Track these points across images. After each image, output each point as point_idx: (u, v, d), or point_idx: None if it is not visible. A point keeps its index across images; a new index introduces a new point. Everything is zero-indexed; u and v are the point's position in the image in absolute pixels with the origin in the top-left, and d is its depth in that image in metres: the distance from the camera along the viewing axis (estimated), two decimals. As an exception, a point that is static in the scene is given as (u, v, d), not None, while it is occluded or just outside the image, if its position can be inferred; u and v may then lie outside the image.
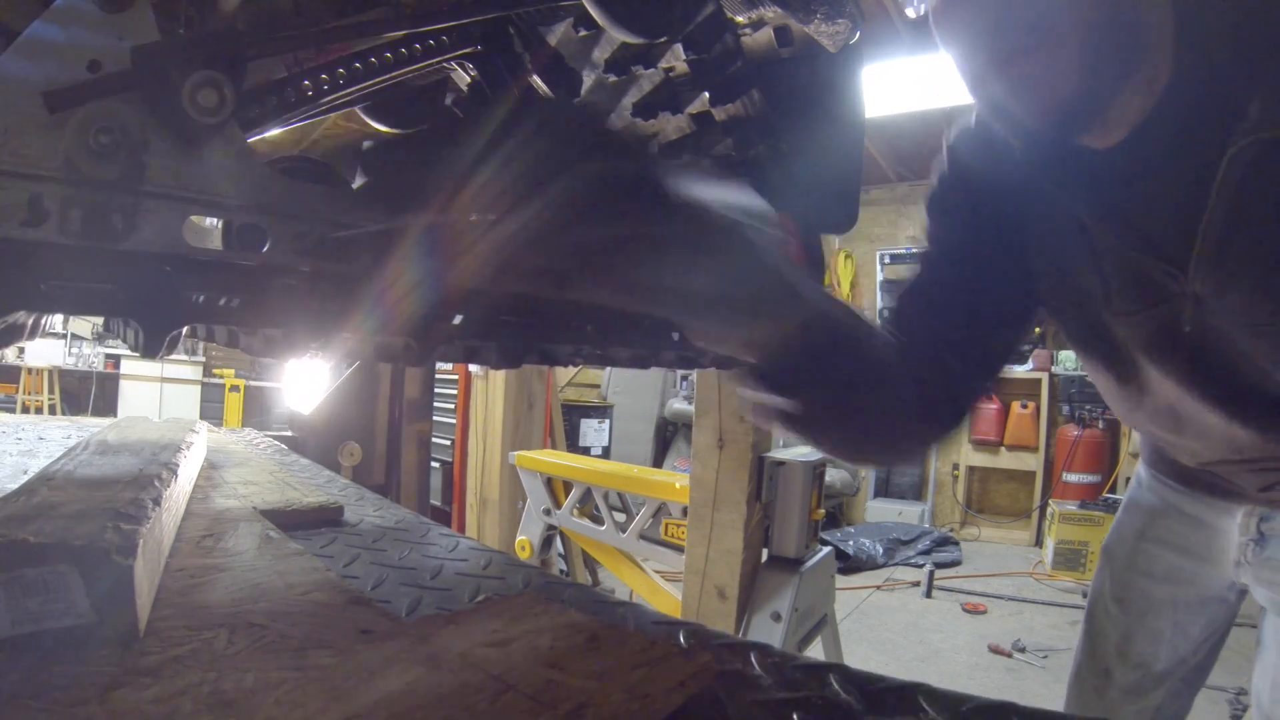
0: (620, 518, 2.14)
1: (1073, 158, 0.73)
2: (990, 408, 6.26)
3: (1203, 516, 0.99)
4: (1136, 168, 0.70)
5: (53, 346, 8.16)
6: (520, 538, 2.40)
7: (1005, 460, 6.23)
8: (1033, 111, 0.68)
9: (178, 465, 0.89)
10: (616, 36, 0.93)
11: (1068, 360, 6.11)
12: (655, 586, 2.15)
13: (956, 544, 5.55)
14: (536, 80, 0.96)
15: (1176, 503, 1.02)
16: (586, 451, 4.45)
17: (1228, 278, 0.68)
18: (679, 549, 1.81)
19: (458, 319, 0.70)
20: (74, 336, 8.39)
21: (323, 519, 1.02)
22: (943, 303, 0.85)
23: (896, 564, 5.02)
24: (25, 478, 0.95)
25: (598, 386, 6.00)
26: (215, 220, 0.59)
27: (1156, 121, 0.67)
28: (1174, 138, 0.66)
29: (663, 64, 1.09)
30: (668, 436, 6.53)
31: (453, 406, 3.63)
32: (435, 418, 2.23)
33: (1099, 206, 0.74)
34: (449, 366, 3.47)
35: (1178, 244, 0.70)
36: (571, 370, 5.03)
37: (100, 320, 5.78)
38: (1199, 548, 1.00)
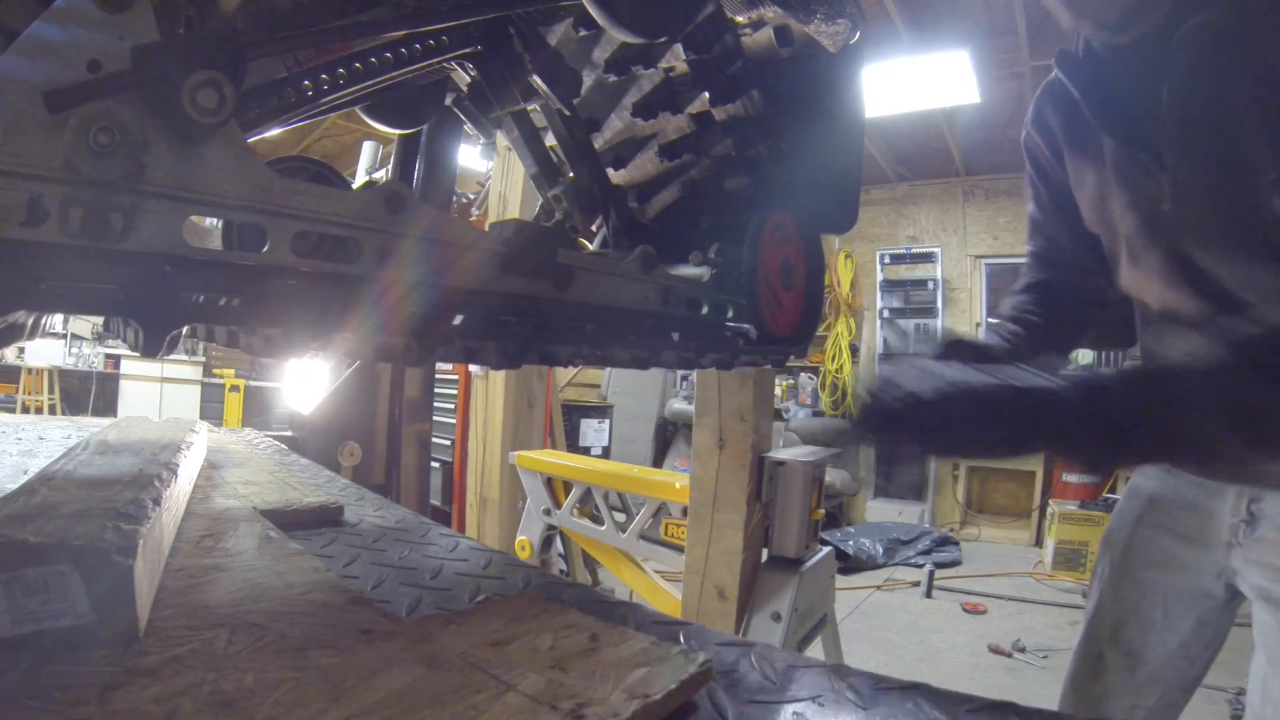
0: (620, 518, 2.14)
1: (1098, 65, 0.89)
2: (990, 408, 6.25)
3: (1197, 500, 1.02)
4: (1142, 60, 0.82)
5: (53, 346, 8.15)
6: (520, 538, 2.40)
7: (1005, 460, 6.22)
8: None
9: (178, 465, 0.89)
10: (616, 36, 0.93)
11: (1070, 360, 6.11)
12: (655, 586, 2.15)
13: (956, 544, 5.55)
14: (536, 80, 0.96)
15: (1174, 487, 1.06)
16: (586, 451, 4.45)
17: (1184, 152, 0.79)
18: (679, 549, 1.81)
19: (458, 319, 0.70)
20: (74, 336, 8.39)
21: (323, 519, 1.02)
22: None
23: (896, 564, 5.02)
24: (25, 478, 0.95)
25: (598, 386, 6.01)
26: (215, 220, 0.59)
27: (1166, 24, 0.78)
28: (1168, 34, 0.77)
29: (663, 64, 1.09)
30: (668, 436, 6.53)
31: (453, 406, 3.63)
32: (435, 418, 2.23)
33: (1107, 107, 0.88)
34: (449, 366, 3.47)
35: (1154, 128, 0.82)
36: (571, 370, 5.03)
37: (100, 320, 5.78)
38: (1193, 531, 1.03)
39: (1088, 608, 1.17)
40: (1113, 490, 5.44)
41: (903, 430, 0.79)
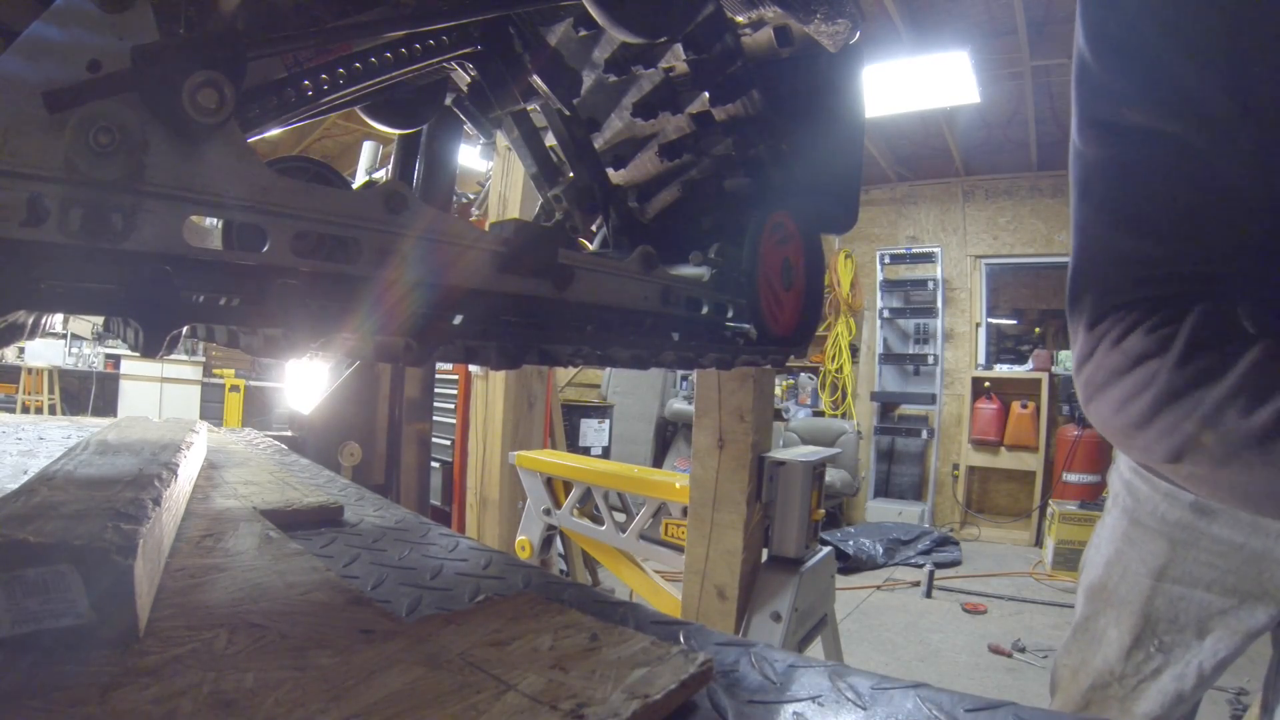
0: (620, 518, 2.14)
1: None
2: (990, 408, 6.27)
3: (1251, 543, 0.82)
4: None
5: (53, 346, 8.15)
6: (520, 538, 2.40)
7: (1005, 460, 6.23)
8: None
9: (178, 465, 0.89)
10: (616, 36, 0.93)
11: (1067, 360, 6.12)
12: (655, 586, 2.15)
13: (956, 544, 5.55)
14: (536, 80, 0.96)
15: (1209, 530, 0.85)
16: (586, 451, 4.45)
17: None
18: (679, 549, 1.81)
19: (458, 319, 0.70)
20: (74, 336, 8.39)
21: (323, 519, 1.02)
22: None
23: (896, 564, 5.02)
24: (25, 478, 0.95)
25: (598, 386, 6.01)
26: (215, 220, 0.59)
27: None
28: None
29: (663, 64, 1.09)
30: (668, 436, 6.54)
31: (453, 406, 3.63)
32: (435, 418, 2.23)
33: None
34: (449, 366, 3.48)
35: None
36: (571, 370, 5.03)
37: (100, 320, 5.79)
38: (1244, 581, 0.83)
39: (1077, 657, 0.97)
40: (1113, 490, 5.43)
41: None
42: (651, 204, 1.30)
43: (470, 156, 4.18)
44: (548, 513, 2.29)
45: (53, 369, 8.06)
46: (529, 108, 1.13)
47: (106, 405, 8.26)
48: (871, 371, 6.92)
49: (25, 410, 7.36)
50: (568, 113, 1.11)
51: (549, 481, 2.30)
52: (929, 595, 4.33)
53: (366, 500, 1.20)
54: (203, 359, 8.87)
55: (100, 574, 0.51)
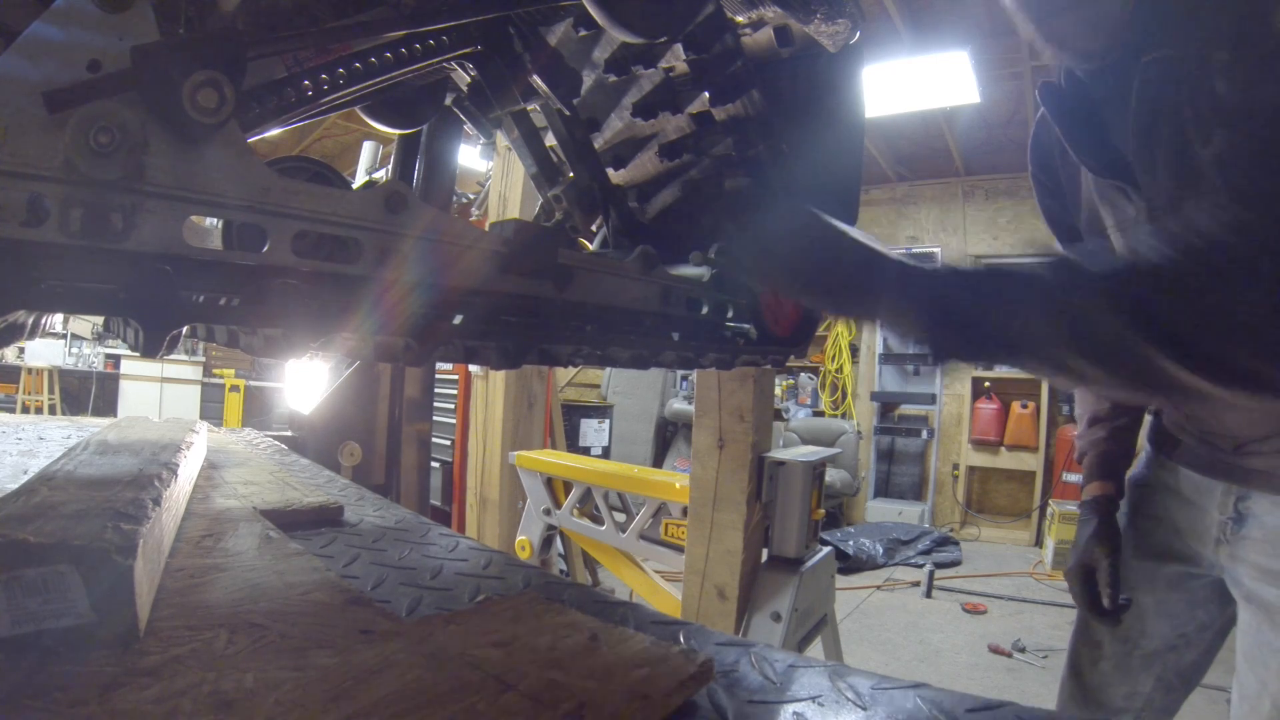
0: (620, 518, 2.14)
1: (1076, 93, 0.91)
2: (990, 408, 6.26)
3: (1189, 493, 1.05)
4: (1115, 86, 0.83)
5: (53, 346, 8.15)
6: (520, 538, 2.40)
7: (1005, 460, 6.23)
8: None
9: (178, 465, 0.89)
10: (616, 36, 0.93)
11: (1068, 360, 6.11)
12: (655, 586, 2.15)
13: (956, 544, 5.55)
14: (536, 80, 0.96)
15: (1167, 479, 1.09)
16: (586, 451, 4.45)
17: (1150, 179, 0.81)
18: (679, 549, 1.81)
19: (458, 319, 0.70)
20: (74, 336, 8.39)
21: (323, 519, 1.02)
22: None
23: (896, 564, 5.02)
24: (25, 478, 0.95)
25: (598, 386, 6.01)
26: (215, 220, 0.59)
27: (1125, 47, 0.80)
28: (1130, 60, 0.79)
29: (663, 64, 1.09)
30: (668, 436, 6.53)
31: (453, 406, 3.63)
32: (435, 418, 2.23)
33: (1083, 136, 0.90)
34: (449, 366, 3.47)
35: (1125, 157, 0.84)
36: (571, 370, 5.03)
37: (100, 320, 5.78)
38: (1185, 525, 1.05)
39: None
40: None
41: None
42: (651, 204, 1.30)
43: (470, 156, 4.18)
44: (548, 513, 2.29)
45: (53, 369, 8.05)
46: (529, 108, 1.13)
47: (106, 405, 8.26)
48: (871, 371, 6.91)
49: (25, 410, 7.35)
50: (568, 113, 1.11)
51: (549, 481, 2.30)
52: (929, 595, 4.33)
53: (366, 500, 1.20)
54: (203, 359, 8.86)
55: (100, 574, 0.51)
